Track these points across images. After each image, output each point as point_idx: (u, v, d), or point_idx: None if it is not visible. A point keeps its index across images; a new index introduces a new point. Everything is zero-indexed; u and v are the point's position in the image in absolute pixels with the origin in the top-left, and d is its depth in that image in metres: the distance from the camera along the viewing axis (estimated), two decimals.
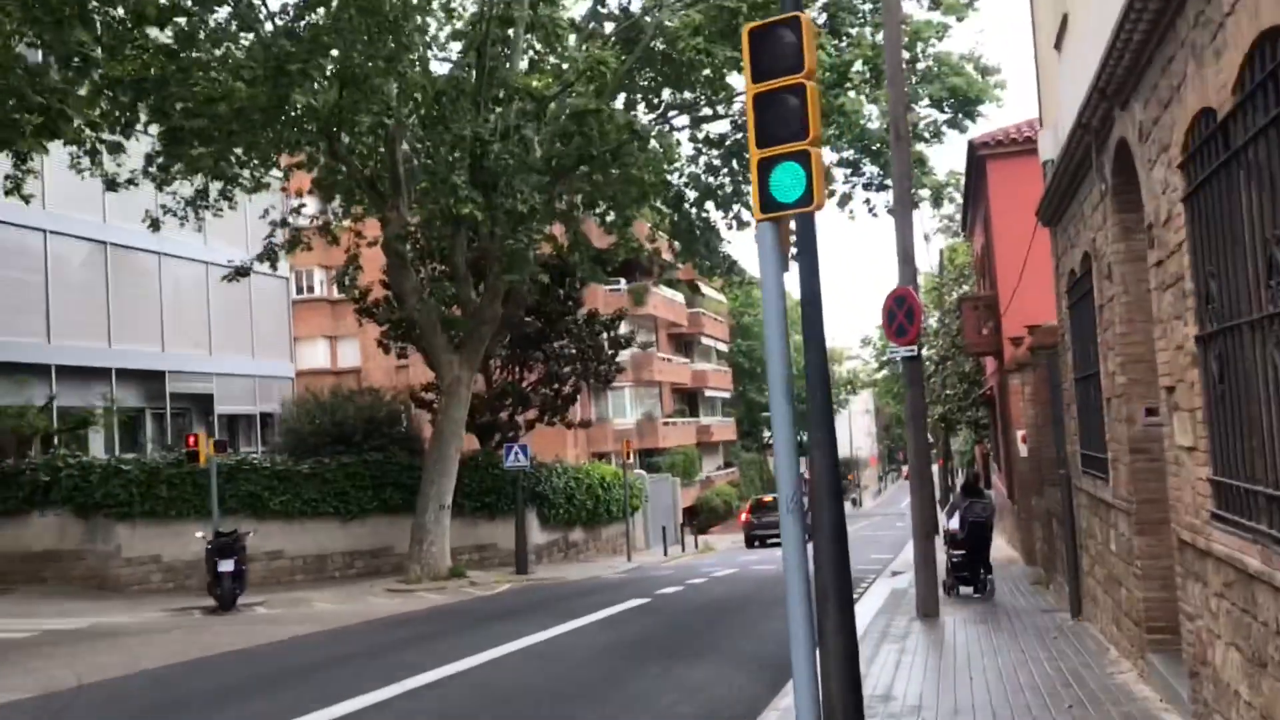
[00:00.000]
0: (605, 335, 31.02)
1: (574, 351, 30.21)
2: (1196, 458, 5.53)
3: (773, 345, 5.82)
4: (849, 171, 21.67)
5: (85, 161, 20.47)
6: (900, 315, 12.71)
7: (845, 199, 22.15)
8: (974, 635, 11.14)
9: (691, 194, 25.09)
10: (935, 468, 40.94)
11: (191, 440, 21.00)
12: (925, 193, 20.21)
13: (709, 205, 25.09)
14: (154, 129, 21.46)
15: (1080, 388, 9.96)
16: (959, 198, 34.40)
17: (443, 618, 16.19)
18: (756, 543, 38.28)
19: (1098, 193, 8.03)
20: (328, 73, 18.85)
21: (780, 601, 15.53)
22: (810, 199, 5.34)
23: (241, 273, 25.70)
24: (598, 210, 24.96)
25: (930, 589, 12.51)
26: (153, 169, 21.98)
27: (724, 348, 72.15)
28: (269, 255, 25.63)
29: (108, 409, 26.27)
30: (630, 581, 22.48)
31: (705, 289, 67.62)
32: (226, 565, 18.06)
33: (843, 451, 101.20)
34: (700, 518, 54.50)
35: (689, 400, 64.67)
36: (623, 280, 52.53)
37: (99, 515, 22.24)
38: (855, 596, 17.07)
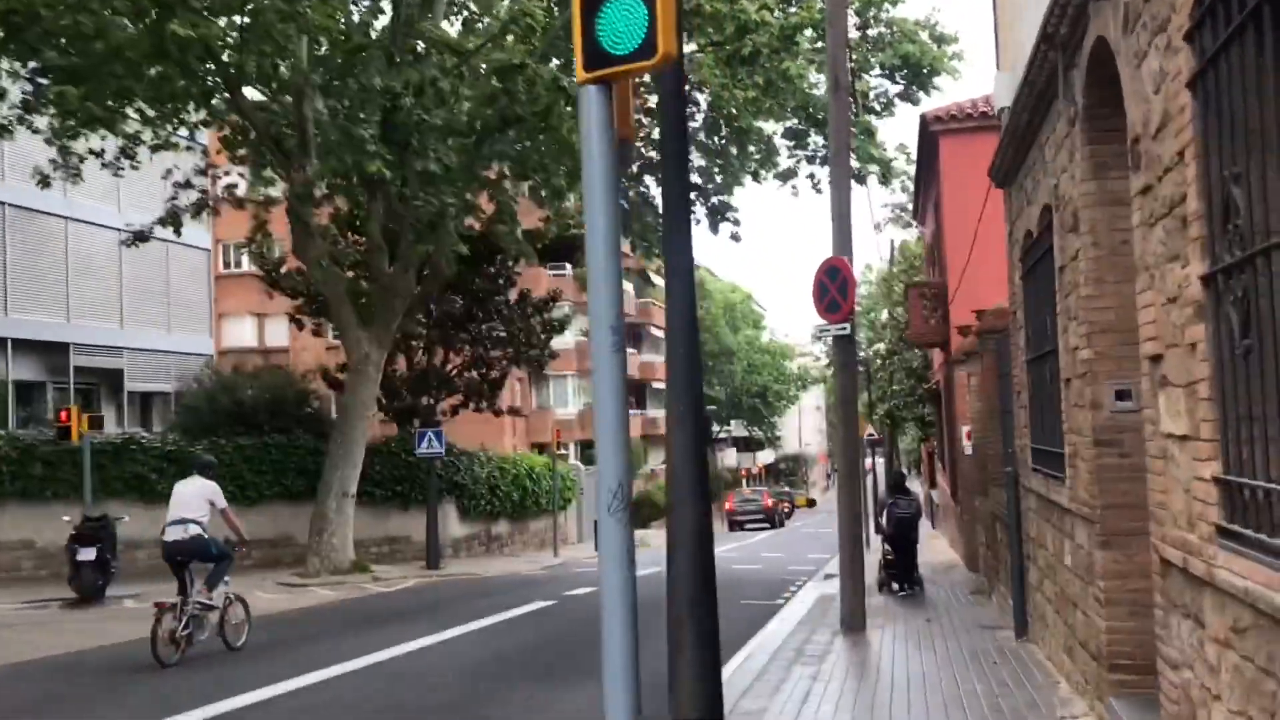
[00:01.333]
0: (539, 318, 29.25)
1: (504, 334, 28.42)
2: (1195, 450, 3.97)
3: (596, 262, 4.18)
4: (792, 144, 20.14)
5: None
6: (833, 289, 11.16)
7: (789, 174, 20.64)
8: (902, 656, 9.61)
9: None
10: (877, 463, 39.71)
11: (64, 415, 19.03)
12: (874, 168, 18.68)
13: (648, 180, 23.48)
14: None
15: (1033, 371, 8.44)
16: (910, 183, 33.11)
17: (322, 618, 14.45)
18: (739, 527, 48.02)
19: (1064, 123, 6.47)
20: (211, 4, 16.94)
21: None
22: (652, 49, 3.67)
23: (140, 237, 23.69)
24: (527, 180, 23.21)
25: (857, 599, 10.97)
26: (32, 116, 19.97)
27: None
28: (172, 220, 23.69)
29: None
30: (547, 580, 20.83)
31: (656, 278, 66.10)
32: (87, 554, 16.20)
33: (792, 447, 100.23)
34: (641, 512, 52.97)
35: (636, 392, 63.05)
36: (568, 265, 50.87)
37: None
38: (780, 602, 15.61)
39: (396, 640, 11.60)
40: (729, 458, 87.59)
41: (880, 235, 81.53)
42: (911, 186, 33.26)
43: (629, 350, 56.12)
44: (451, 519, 26.12)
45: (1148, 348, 4.70)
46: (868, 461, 39.93)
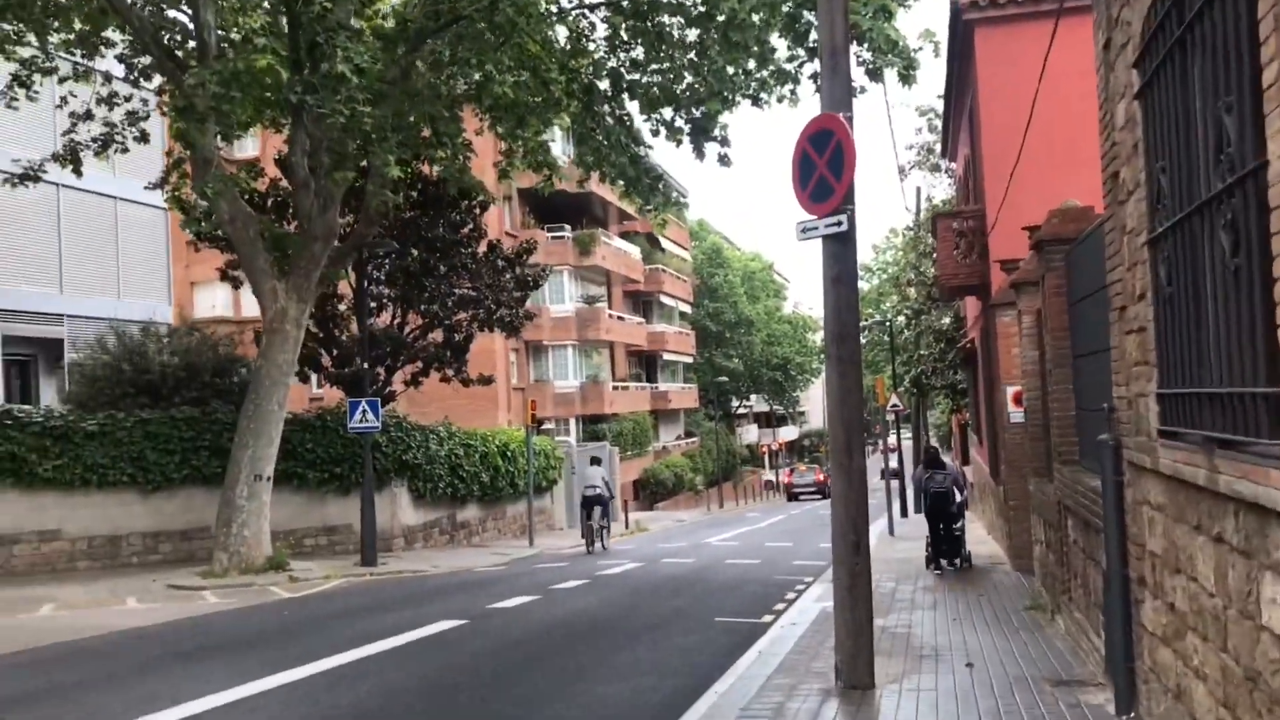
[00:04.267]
0: (511, 274, 25.45)
1: (471, 292, 24.63)
2: None
3: None
4: (790, 40, 16.13)
5: None
6: (821, 163, 7.30)
7: (786, 76, 16.67)
8: None
9: (606, 87, 19.38)
10: (904, 440, 35.67)
11: None
12: (893, 60, 14.68)
13: (629, 103, 19.52)
14: None
15: (1173, 244, 4.53)
16: (939, 120, 28.98)
17: (131, 649, 10.75)
18: (795, 498, 56.68)
19: None
20: None
21: (647, 630, 10.35)
22: None
23: (27, 177, 20.03)
24: (472, 99, 19.31)
25: (860, 643, 7.14)
26: None
27: (687, 309, 66.59)
28: (70, 157, 20.10)
29: None
30: (498, 579, 17.12)
31: (667, 244, 62.05)
32: None
33: (816, 423, 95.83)
34: (647, 491, 49.24)
35: (646, 364, 59.24)
36: (567, 226, 47.01)
37: None
38: (766, 620, 11.71)
39: (229, 682, 7.99)
40: (749, 434, 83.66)
41: (904, 180, 75.70)
42: (940, 124, 29.18)
43: (636, 319, 52.15)
44: (403, 504, 22.44)
45: None
46: (891, 439, 36.05)
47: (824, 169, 7.28)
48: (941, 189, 32.73)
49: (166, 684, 8.40)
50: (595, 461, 25.43)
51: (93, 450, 18.87)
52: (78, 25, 19.06)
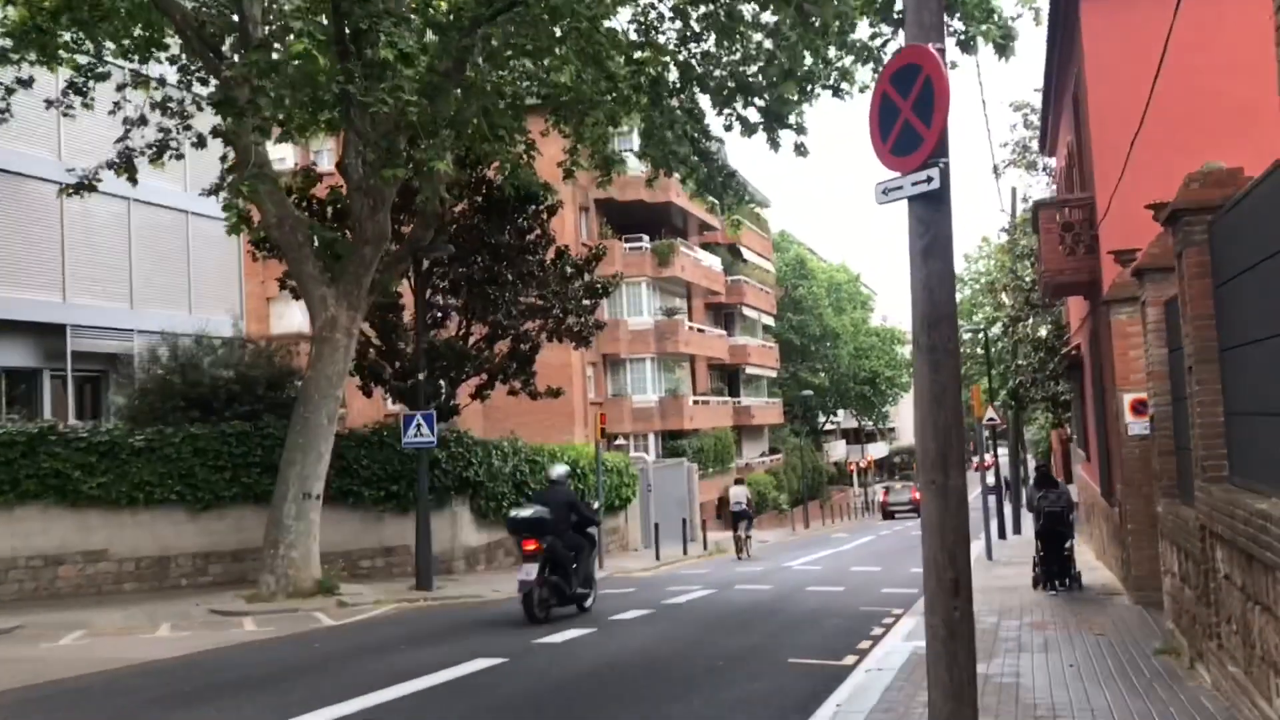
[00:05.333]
0: (580, 282, 24.22)
1: (537, 301, 23.45)
2: None
3: None
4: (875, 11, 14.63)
5: None
6: (906, 106, 5.86)
7: (867, 53, 15.16)
8: None
9: (674, 79, 18.03)
10: (999, 457, 33.53)
11: None
12: (989, 31, 13.11)
13: (699, 97, 18.16)
14: None
15: None
16: (1036, 116, 27.12)
17: (158, 681, 9.67)
18: (891, 516, 56.60)
19: None
20: None
21: (708, 674, 8.95)
22: None
23: (83, 187, 19.42)
24: (532, 96, 18.16)
25: (961, 709, 5.62)
26: None
27: (770, 322, 64.83)
28: (124, 165, 19.42)
29: None
30: None
31: (749, 254, 60.44)
32: None
33: (907, 440, 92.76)
34: (729, 511, 47.55)
35: (728, 378, 57.66)
36: (645, 237, 45.77)
37: None
38: (847, 664, 10.13)
39: None
40: (837, 450, 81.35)
41: (999, 180, 72.56)
42: (1036, 119, 27.30)
43: (717, 332, 50.63)
44: (464, 524, 21.31)
45: None
46: (988, 456, 33.94)
47: (909, 113, 5.83)
48: (1039, 189, 30.72)
49: None
50: (739, 482, 30.31)
51: (140, 467, 18.07)
52: (136, 32, 18.44)
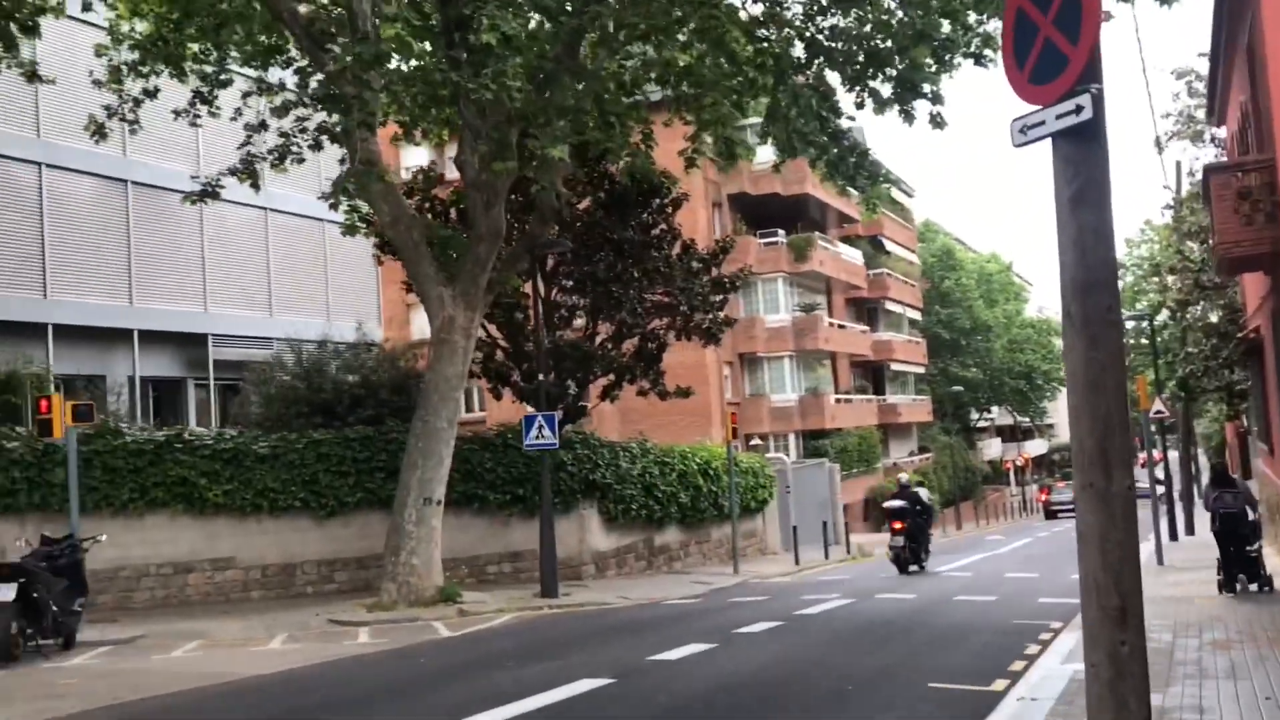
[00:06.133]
0: (706, 278, 23.26)
1: (664, 298, 22.59)
2: None
3: None
4: None
5: None
6: (1046, 21, 4.77)
7: None
8: None
9: (799, 54, 16.90)
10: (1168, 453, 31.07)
11: (44, 405, 14.73)
12: None
13: (827, 73, 17.00)
14: None
15: None
16: (1202, 84, 24.88)
17: (245, 701, 9.19)
18: (1054, 516, 54.22)
19: None
20: None
21: (834, 701, 7.92)
22: None
23: (206, 194, 19.48)
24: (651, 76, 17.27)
25: None
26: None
27: (916, 316, 62.53)
28: (246, 171, 19.40)
29: (35, 375, 20.49)
30: (686, 615, 14.97)
31: (892, 246, 58.37)
32: (4, 593, 11.63)
33: (1066, 436, 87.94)
34: (876, 512, 45.87)
35: (872, 375, 55.79)
36: (781, 232, 44.48)
37: None
38: (996, 689, 8.77)
39: None
40: (991, 449, 78.08)
41: (1162, 155, 67.57)
42: (1204, 86, 25.05)
43: (859, 327, 48.94)
44: (593, 528, 20.64)
45: None
46: (1155, 452, 31.43)
47: (1050, 29, 4.73)
48: (1207, 161, 28.32)
49: None
50: (919, 484, 34.97)
51: (264, 474, 17.96)
52: (261, 39, 18.40)
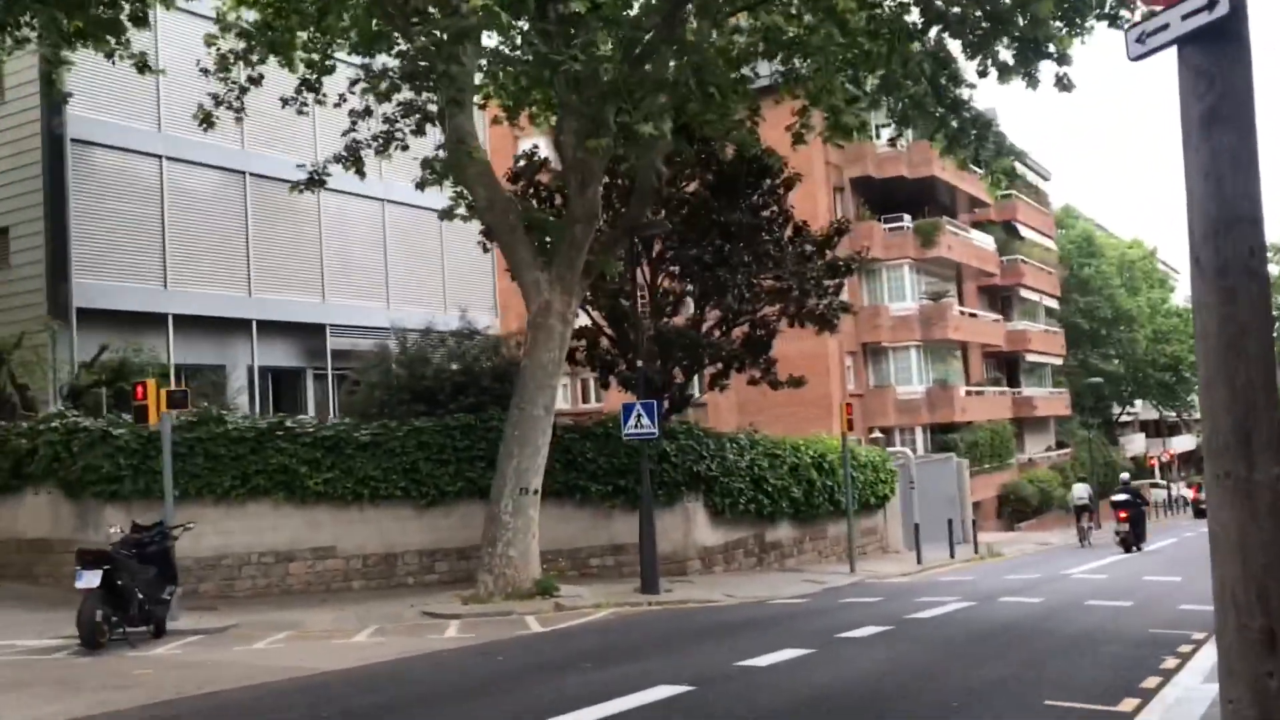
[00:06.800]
0: (820, 261, 22.24)
1: (775, 283, 21.67)
2: None
3: None
4: None
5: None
6: None
7: None
8: None
9: (914, 20, 15.80)
10: None
11: (140, 391, 14.70)
12: None
13: (949, 41, 15.86)
14: None
15: None
16: None
17: (306, 699, 8.76)
18: (1203, 515, 52.45)
19: None
20: None
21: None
22: None
23: (314, 182, 19.41)
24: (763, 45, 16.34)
25: None
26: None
27: (1053, 304, 59.78)
28: (351, 158, 19.27)
29: (150, 363, 20.74)
30: (791, 616, 14.12)
31: (1027, 232, 55.87)
32: (89, 580, 11.53)
33: (1189, 445, 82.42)
34: (1008, 509, 43.90)
35: (1006, 366, 53.53)
36: (906, 217, 42.88)
37: (88, 494, 16.67)
38: (1123, 712, 7.68)
39: None
40: (1135, 444, 74.39)
41: None
42: None
43: (992, 316, 46.88)
44: (699, 522, 19.88)
45: None
46: None
47: None
48: None
49: None
50: (1081, 480, 36.96)
51: (364, 462, 17.75)
52: (365, 25, 18.20)
